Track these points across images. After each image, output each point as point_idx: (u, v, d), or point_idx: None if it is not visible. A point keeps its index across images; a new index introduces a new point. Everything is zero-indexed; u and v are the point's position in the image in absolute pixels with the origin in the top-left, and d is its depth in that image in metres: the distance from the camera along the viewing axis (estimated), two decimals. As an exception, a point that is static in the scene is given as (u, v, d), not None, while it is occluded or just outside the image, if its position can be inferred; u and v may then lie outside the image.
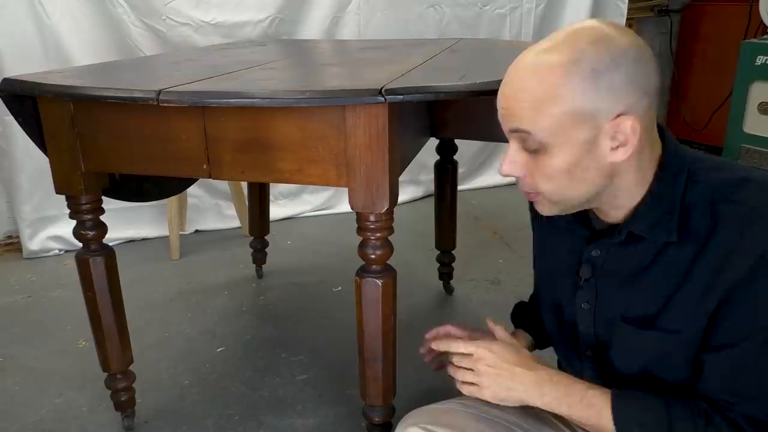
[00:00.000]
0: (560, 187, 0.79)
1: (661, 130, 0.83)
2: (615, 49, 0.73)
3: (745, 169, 0.82)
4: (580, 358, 0.96)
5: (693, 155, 0.84)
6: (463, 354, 0.95)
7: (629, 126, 0.74)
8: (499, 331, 1.00)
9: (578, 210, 0.86)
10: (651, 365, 0.86)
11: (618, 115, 0.74)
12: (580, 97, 0.73)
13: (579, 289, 0.92)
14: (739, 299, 0.75)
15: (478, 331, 1.09)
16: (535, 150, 0.78)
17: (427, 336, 1.14)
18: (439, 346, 0.99)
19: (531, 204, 1.07)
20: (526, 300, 1.22)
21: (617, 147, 0.76)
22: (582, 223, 0.91)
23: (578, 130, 0.74)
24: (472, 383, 0.93)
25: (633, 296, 0.85)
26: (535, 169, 0.79)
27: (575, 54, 0.73)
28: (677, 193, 0.80)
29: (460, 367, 0.95)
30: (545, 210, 0.85)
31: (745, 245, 0.74)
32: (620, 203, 0.83)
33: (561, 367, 1.06)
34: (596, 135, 0.75)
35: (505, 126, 0.80)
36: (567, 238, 0.94)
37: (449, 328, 1.12)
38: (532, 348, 1.15)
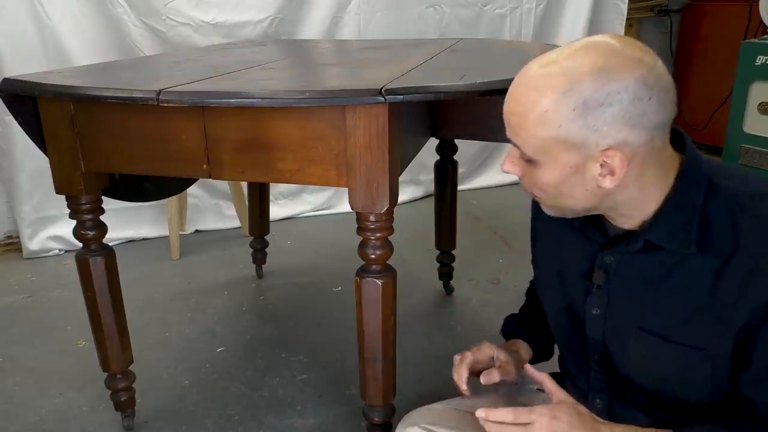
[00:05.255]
0: (551, 197, 0.82)
1: (680, 138, 0.82)
2: (614, 85, 0.70)
3: (766, 183, 0.80)
4: (587, 363, 0.95)
5: (713, 164, 0.82)
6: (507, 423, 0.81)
7: (617, 160, 0.73)
8: (548, 382, 0.87)
9: (580, 216, 0.86)
10: (668, 377, 0.85)
11: (608, 148, 0.72)
12: (568, 126, 0.72)
13: (590, 294, 0.91)
14: None
15: (510, 349, 1.06)
16: (527, 160, 0.80)
17: (459, 359, 1.03)
18: (491, 416, 0.82)
19: (534, 205, 1.07)
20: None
21: (605, 175, 0.75)
22: (597, 228, 0.90)
23: (565, 154, 0.75)
24: None
25: (650, 306, 0.84)
26: (528, 176, 0.82)
27: (571, 81, 0.71)
28: (697, 203, 0.78)
29: None
30: (547, 210, 0.87)
31: None
32: (626, 212, 0.82)
33: (564, 368, 1.05)
34: (584, 161, 0.74)
35: (506, 131, 0.81)
36: (580, 242, 0.92)
37: (485, 350, 1.03)
38: (531, 357, 1.12)
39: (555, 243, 0.99)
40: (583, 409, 0.83)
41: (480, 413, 0.81)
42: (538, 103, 0.73)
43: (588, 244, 0.91)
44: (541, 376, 0.87)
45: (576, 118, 0.71)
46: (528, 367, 0.90)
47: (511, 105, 0.78)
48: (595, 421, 0.82)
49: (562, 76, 0.72)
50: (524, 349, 1.11)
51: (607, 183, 0.75)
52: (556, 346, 1.09)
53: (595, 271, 0.90)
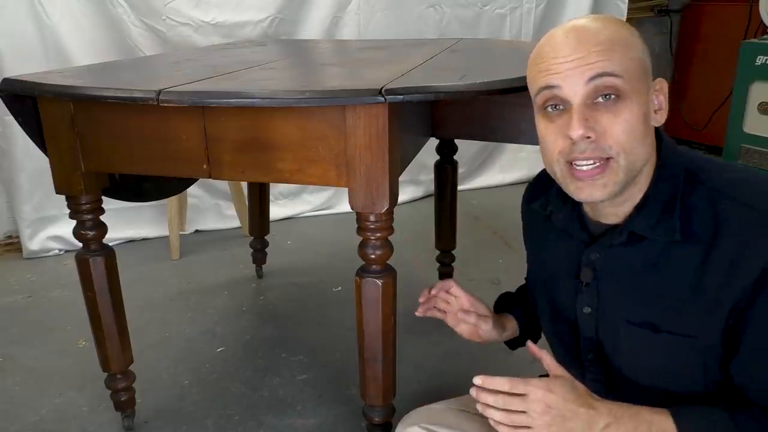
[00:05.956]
0: (637, 138, 0.77)
1: (656, 132, 0.84)
2: None
3: (744, 170, 0.82)
4: (580, 363, 0.95)
5: (689, 155, 0.84)
6: (503, 393, 0.79)
7: (666, 86, 0.82)
8: (547, 358, 0.86)
9: (626, 188, 0.81)
10: (661, 370, 0.85)
11: (655, 78, 0.81)
12: (642, 48, 0.80)
13: (579, 293, 0.91)
14: (762, 309, 0.74)
15: (480, 303, 1.10)
16: (613, 98, 0.76)
17: (433, 291, 1.11)
18: (487, 383, 0.79)
19: (523, 213, 1.07)
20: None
21: (658, 110, 0.81)
22: (580, 226, 0.91)
23: (643, 80, 0.79)
24: (522, 426, 0.79)
25: (637, 298, 0.84)
26: (612, 123, 0.76)
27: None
28: (676, 191, 0.81)
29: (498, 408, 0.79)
30: (605, 188, 0.79)
31: (753, 249, 0.74)
32: (631, 193, 0.82)
33: None
34: (650, 92, 0.80)
35: (579, 79, 0.76)
36: (564, 244, 0.93)
37: (450, 285, 1.10)
38: (515, 332, 1.14)
39: (542, 247, 1.00)
40: (579, 385, 0.82)
41: (477, 380, 0.80)
42: (622, 27, 0.80)
43: (573, 244, 0.92)
44: (541, 352, 0.86)
45: (643, 43, 0.80)
46: (530, 343, 0.89)
47: (593, 36, 0.77)
48: (590, 398, 0.81)
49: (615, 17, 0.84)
50: (511, 323, 1.13)
51: (660, 118, 0.82)
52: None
53: (582, 270, 0.90)
